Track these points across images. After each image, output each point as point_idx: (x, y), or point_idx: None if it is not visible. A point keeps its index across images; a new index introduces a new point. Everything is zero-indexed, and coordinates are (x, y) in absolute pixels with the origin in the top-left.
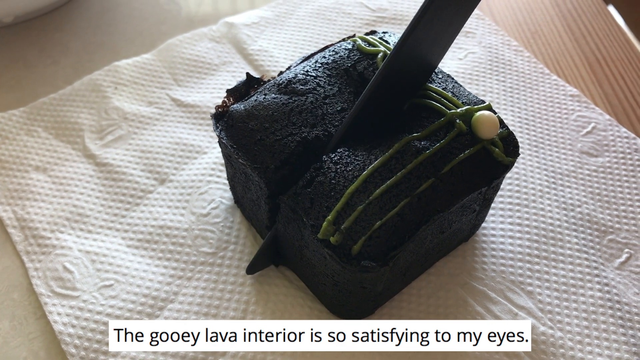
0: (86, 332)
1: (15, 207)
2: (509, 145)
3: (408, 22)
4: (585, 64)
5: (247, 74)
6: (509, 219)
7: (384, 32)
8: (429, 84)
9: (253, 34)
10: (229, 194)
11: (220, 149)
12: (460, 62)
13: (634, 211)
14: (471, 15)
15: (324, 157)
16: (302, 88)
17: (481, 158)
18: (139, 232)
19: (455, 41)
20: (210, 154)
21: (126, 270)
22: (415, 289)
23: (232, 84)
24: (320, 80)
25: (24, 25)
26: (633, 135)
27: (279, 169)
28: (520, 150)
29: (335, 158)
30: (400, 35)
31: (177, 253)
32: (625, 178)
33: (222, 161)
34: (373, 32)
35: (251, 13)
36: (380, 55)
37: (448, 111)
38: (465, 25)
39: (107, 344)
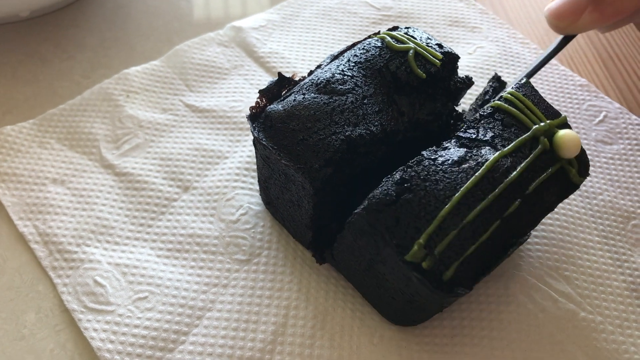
0: (126, 347)
1: (36, 221)
2: (581, 164)
3: (413, 20)
4: (598, 61)
5: (279, 73)
6: None
7: (407, 28)
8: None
9: (262, 37)
10: (256, 199)
11: (241, 153)
12: (471, 57)
13: None
14: (475, 11)
15: (408, 170)
16: (341, 88)
17: (557, 177)
18: (167, 241)
19: (462, 37)
20: (232, 159)
21: (159, 281)
22: None
23: (246, 87)
24: (357, 80)
25: (39, 20)
26: None
27: (323, 168)
28: None
29: (423, 174)
30: (421, 31)
31: (210, 261)
32: None
33: (246, 166)
34: (395, 28)
35: (257, 16)
36: (411, 53)
37: (533, 125)
38: (470, 21)
39: (148, 357)
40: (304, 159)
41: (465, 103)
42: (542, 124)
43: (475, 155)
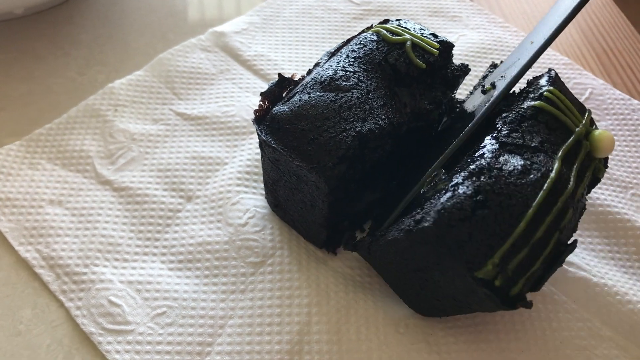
0: None
1: (38, 245)
2: (605, 158)
3: (394, 12)
4: (593, 55)
5: (279, 74)
6: None
7: (397, 20)
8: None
9: (245, 40)
10: (261, 202)
11: (240, 157)
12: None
13: None
14: (453, 0)
15: (482, 180)
16: (345, 84)
17: (591, 177)
18: (177, 253)
19: (444, 26)
20: (232, 164)
21: (176, 294)
22: None
23: (236, 91)
24: (359, 75)
25: (33, 18)
26: (628, 96)
27: (337, 166)
28: None
29: (497, 188)
30: (413, 22)
31: (224, 268)
32: (630, 137)
33: (247, 170)
34: (387, 21)
35: (238, 20)
36: (408, 44)
37: (575, 127)
38: (449, 10)
39: None
40: (317, 158)
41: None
42: (581, 125)
43: (535, 164)
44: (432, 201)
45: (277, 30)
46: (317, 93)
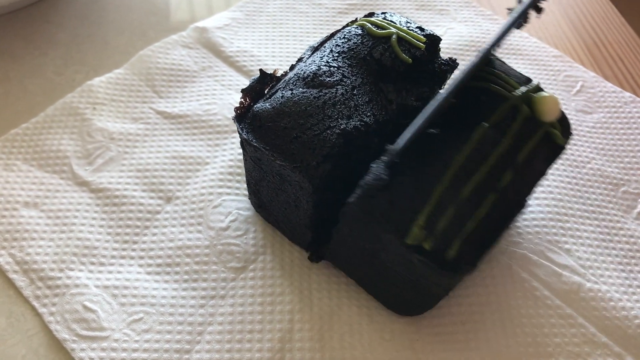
0: None
1: (11, 249)
2: (563, 126)
3: (380, 6)
4: (583, 47)
5: (261, 70)
6: None
7: (383, 13)
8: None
9: (228, 36)
10: (244, 204)
11: (222, 157)
12: (442, 39)
13: (639, 162)
14: None
15: (396, 157)
16: (329, 80)
17: (544, 142)
18: (156, 256)
19: (431, 20)
20: (213, 164)
21: (153, 299)
22: None
23: (218, 88)
24: (343, 70)
25: (9, 17)
26: (620, 89)
27: (322, 165)
28: None
29: (412, 154)
30: (398, 16)
31: (204, 272)
32: (622, 131)
33: (229, 170)
34: (372, 14)
35: (220, 16)
36: (394, 38)
37: (511, 94)
38: (437, 3)
39: None
40: (300, 157)
41: None
42: (517, 91)
43: (459, 130)
44: None
45: (261, 26)
46: (300, 89)
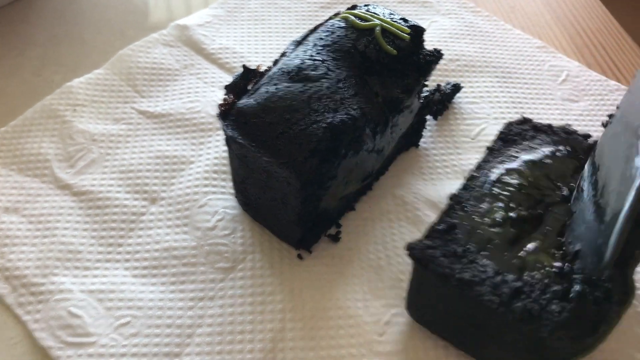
0: None
1: None
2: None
3: (362, 0)
4: (566, 37)
5: (244, 66)
6: None
7: (366, 5)
8: None
9: (209, 34)
10: (231, 202)
11: (207, 156)
12: (426, 32)
13: None
14: None
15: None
16: (314, 74)
17: None
18: (142, 259)
19: (414, 13)
20: (198, 163)
21: (140, 303)
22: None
23: (201, 86)
24: (328, 64)
25: None
26: (604, 77)
27: (309, 160)
28: (504, 107)
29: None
30: (382, 7)
31: (192, 274)
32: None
33: (215, 168)
34: (355, 7)
35: (201, 13)
36: (378, 29)
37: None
38: None
39: None
40: (287, 152)
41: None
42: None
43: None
44: (539, 290)
45: (243, 22)
46: (285, 84)
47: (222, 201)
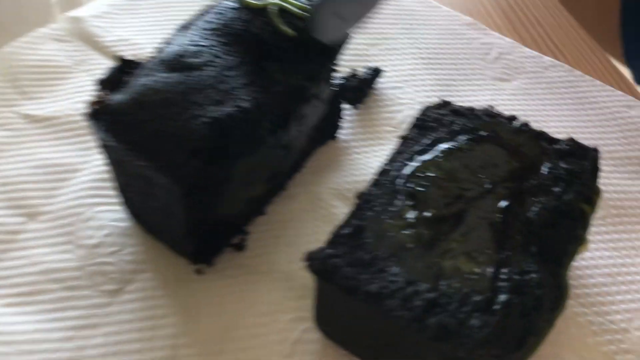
0: None
1: None
2: None
3: None
4: (499, 12)
5: (120, 57)
6: None
7: None
8: None
9: (106, 25)
10: (120, 214)
11: (96, 162)
12: None
13: (565, 126)
14: None
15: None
16: (196, 61)
17: None
18: (15, 285)
19: None
20: (85, 171)
21: (10, 337)
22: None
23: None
24: (215, 50)
25: None
26: (538, 54)
27: (190, 161)
28: (430, 91)
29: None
30: None
31: (73, 299)
32: (544, 96)
33: (104, 176)
34: None
35: (97, 3)
36: (273, 8)
37: None
38: None
39: None
40: (163, 154)
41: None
42: None
43: None
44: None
45: (144, 11)
46: (161, 74)
47: (110, 213)
